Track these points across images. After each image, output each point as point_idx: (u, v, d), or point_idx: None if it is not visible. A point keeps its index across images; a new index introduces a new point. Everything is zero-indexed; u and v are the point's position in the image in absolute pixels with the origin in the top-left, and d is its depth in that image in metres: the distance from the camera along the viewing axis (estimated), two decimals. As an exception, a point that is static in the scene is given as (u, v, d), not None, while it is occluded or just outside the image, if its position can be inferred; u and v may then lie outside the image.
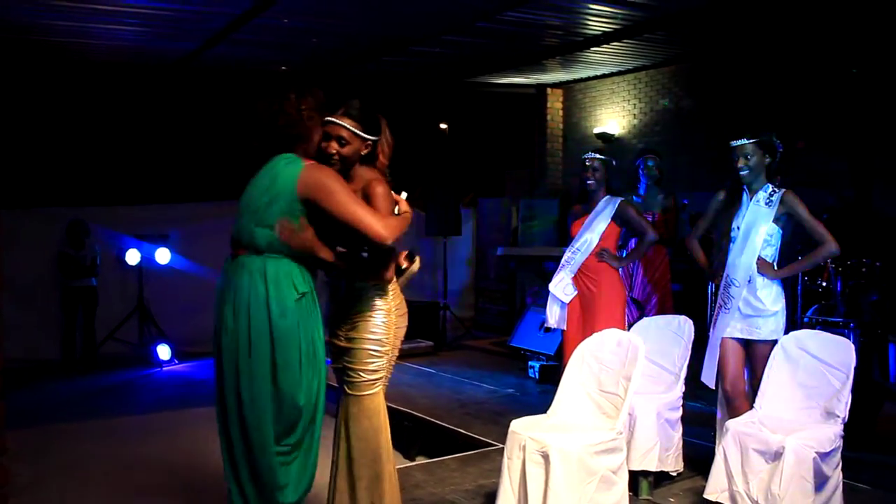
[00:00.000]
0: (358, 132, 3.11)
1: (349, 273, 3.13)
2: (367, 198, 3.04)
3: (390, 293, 3.23)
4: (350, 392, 3.22)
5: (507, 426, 3.59)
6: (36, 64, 8.98)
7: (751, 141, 4.08)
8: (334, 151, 3.05)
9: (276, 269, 2.82)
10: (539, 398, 6.42)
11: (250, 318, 2.78)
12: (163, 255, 8.67)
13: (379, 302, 3.19)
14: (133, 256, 8.58)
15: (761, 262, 4.04)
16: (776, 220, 4.05)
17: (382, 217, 2.91)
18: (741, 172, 4.11)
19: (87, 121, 9.79)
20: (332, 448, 3.30)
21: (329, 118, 3.08)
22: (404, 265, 3.28)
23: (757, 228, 4.05)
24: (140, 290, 8.76)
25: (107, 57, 9.01)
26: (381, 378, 3.23)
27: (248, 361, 2.79)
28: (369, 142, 3.16)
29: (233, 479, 2.94)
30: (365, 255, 3.08)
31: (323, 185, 2.80)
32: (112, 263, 8.81)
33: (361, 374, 3.19)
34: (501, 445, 3.76)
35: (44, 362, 8.38)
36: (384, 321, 3.19)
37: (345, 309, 3.22)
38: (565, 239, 5.44)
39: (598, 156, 5.17)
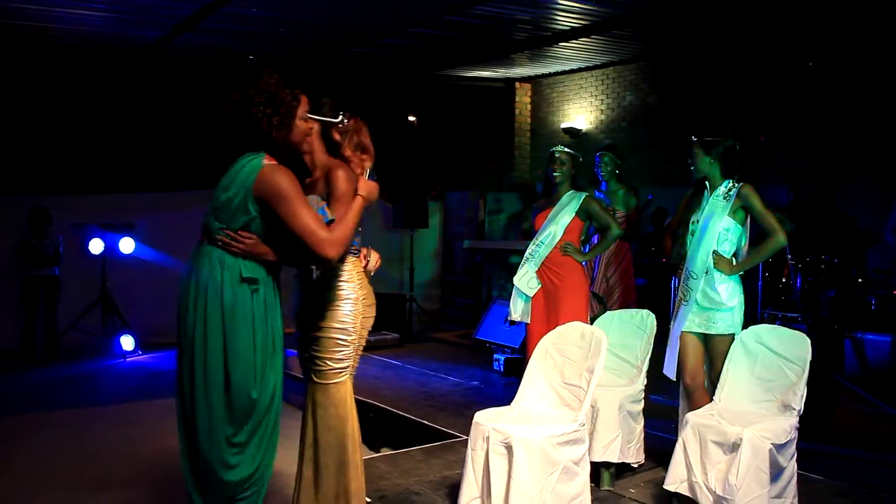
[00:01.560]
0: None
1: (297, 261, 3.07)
2: (329, 182, 3.07)
3: (357, 283, 3.25)
4: (317, 380, 3.24)
5: (472, 418, 3.62)
6: (0, 49, 8.83)
7: (695, 140, 4.18)
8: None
9: (234, 258, 2.82)
10: (504, 390, 6.47)
11: (207, 302, 2.78)
12: (127, 245, 8.56)
13: (346, 291, 3.22)
14: (97, 245, 8.46)
15: (718, 256, 4.09)
16: (733, 214, 4.11)
17: (331, 232, 2.84)
18: (690, 168, 4.22)
19: (52, 107, 9.62)
20: (300, 437, 3.32)
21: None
22: (364, 264, 3.32)
23: (714, 222, 4.11)
24: (103, 279, 8.65)
25: (73, 43, 8.88)
26: (347, 367, 3.25)
27: (202, 347, 2.78)
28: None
29: (189, 471, 2.92)
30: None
31: (278, 190, 2.77)
32: (76, 252, 8.68)
33: (328, 362, 3.21)
34: (466, 437, 3.79)
35: (3, 352, 8.26)
36: (352, 310, 3.22)
37: (313, 299, 3.24)
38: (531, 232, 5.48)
39: (566, 149, 5.24)
